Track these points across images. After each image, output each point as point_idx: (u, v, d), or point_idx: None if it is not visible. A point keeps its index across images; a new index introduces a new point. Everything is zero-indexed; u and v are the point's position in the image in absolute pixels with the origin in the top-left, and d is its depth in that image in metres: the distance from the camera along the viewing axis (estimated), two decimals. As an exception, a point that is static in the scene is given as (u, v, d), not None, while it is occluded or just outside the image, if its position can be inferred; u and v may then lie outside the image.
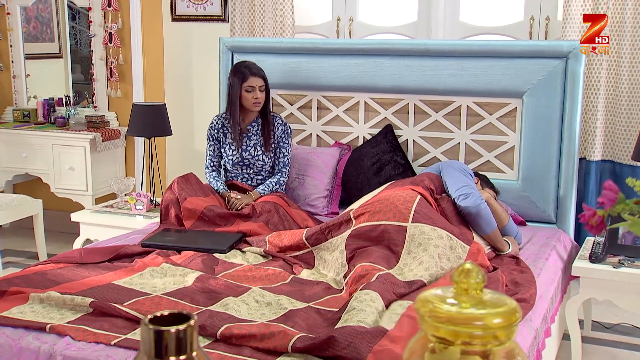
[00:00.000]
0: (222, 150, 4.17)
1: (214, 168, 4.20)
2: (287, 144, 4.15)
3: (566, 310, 3.46)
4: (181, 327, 0.89)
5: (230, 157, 4.13)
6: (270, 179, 4.12)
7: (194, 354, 0.90)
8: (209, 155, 4.20)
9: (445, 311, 0.96)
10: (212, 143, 4.19)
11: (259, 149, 4.10)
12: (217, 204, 3.89)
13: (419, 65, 4.18)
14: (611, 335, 4.00)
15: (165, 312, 0.93)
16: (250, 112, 4.10)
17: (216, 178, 4.14)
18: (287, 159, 4.16)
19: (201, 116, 5.37)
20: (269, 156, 4.12)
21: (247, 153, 4.10)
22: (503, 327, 0.94)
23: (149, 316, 0.93)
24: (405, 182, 3.56)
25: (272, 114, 4.16)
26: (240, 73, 4.02)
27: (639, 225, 1.08)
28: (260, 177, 4.17)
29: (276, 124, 4.12)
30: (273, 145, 4.12)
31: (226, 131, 4.13)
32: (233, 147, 4.11)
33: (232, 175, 4.19)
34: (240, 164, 4.13)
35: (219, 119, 4.18)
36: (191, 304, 2.65)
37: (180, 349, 0.89)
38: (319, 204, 4.23)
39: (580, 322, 3.93)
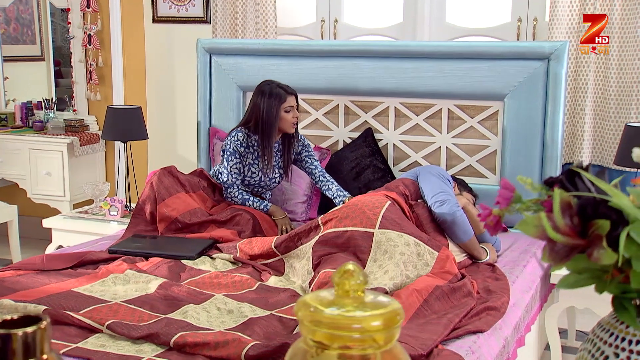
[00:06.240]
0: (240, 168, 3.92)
1: (239, 186, 3.88)
2: (311, 154, 3.98)
3: (545, 318, 3.35)
4: (29, 329, 0.82)
5: (247, 178, 3.91)
6: (336, 186, 3.88)
7: (45, 356, 0.83)
8: (234, 173, 3.83)
9: (321, 314, 0.90)
10: (238, 160, 3.84)
11: (276, 171, 3.94)
12: (202, 205, 3.76)
13: (399, 67, 4.07)
14: (596, 346, 3.87)
15: (15, 316, 0.86)
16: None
17: (249, 194, 3.86)
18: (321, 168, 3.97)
19: (183, 120, 5.27)
20: (285, 179, 3.99)
21: (266, 177, 3.93)
22: (382, 330, 0.88)
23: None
24: (382, 189, 3.46)
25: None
26: (277, 94, 3.75)
27: (526, 225, 1.02)
28: (269, 194, 4.06)
29: (299, 143, 3.95)
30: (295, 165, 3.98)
31: (249, 150, 3.86)
32: (253, 169, 3.88)
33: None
34: (257, 185, 3.96)
35: (244, 135, 3.83)
36: (150, 312, 2.58)
37: (29, 352, 0.84)
38: (297, 209, 4.14)
39: (564, 331, 3.82)
